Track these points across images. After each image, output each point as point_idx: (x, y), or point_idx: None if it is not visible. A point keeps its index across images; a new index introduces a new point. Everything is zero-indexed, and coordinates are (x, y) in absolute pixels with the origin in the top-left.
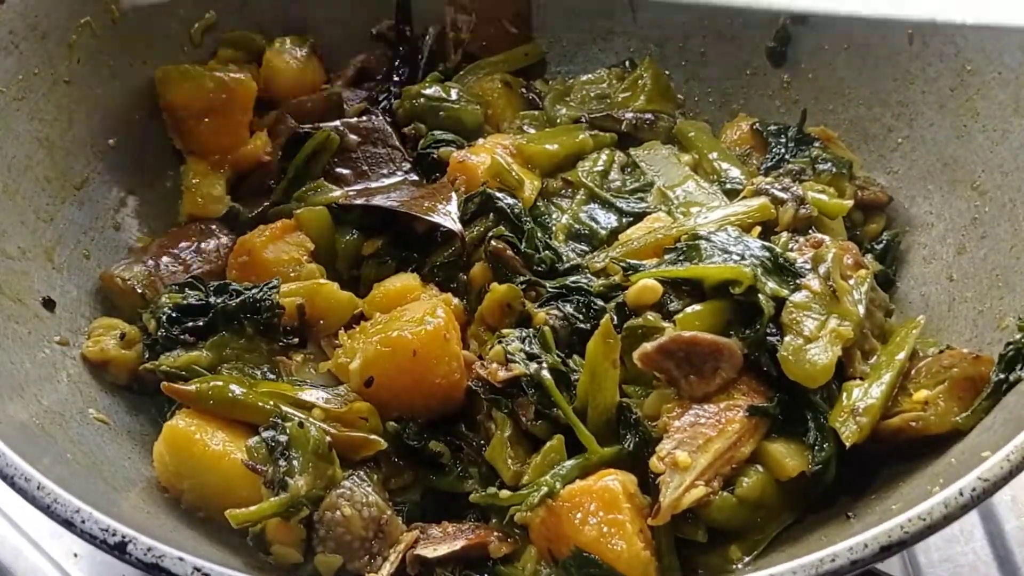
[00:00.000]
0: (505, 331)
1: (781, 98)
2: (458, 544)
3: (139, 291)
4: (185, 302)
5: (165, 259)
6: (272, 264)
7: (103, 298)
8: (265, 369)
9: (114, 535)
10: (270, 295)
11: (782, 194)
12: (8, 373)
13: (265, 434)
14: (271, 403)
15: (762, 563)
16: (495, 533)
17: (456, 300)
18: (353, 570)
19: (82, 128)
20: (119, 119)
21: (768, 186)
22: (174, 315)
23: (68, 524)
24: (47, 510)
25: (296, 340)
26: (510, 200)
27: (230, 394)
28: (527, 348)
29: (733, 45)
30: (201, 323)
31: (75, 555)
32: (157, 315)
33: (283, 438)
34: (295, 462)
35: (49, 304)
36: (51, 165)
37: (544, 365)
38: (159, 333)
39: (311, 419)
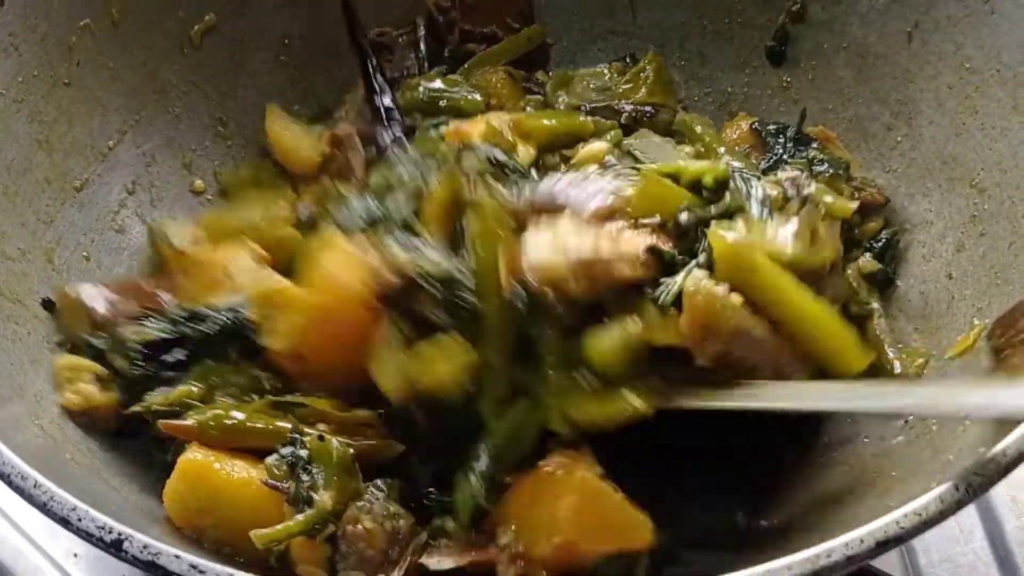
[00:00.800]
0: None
1: (780, 97)
2: (464, 560)
3: (89, 305)
4: (157, 336)
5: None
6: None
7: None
8: (263, 393)
9: (110, 532)
10: (243, 313)
11: (790, 190)
12: (8, 373)
13: (284, 450)
14: (275, 424)
15: (756, 559)
16: (503, 555)
17: None
18: None
19: (82, 130)
20: (119, 121)
21: (784, 179)
22: (146, 351)
23: (64, 522)
24: (44, 508)
25: None
26: (491, 148)
27: (232, 420)
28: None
29: (732, 45)
30: (182, 356)
31: (75, 555)
32: (124, 351)
33: (303, 452)
34: (319, 477)
35: (48, 305)
36: (51, 167)
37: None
38: (135, 372)
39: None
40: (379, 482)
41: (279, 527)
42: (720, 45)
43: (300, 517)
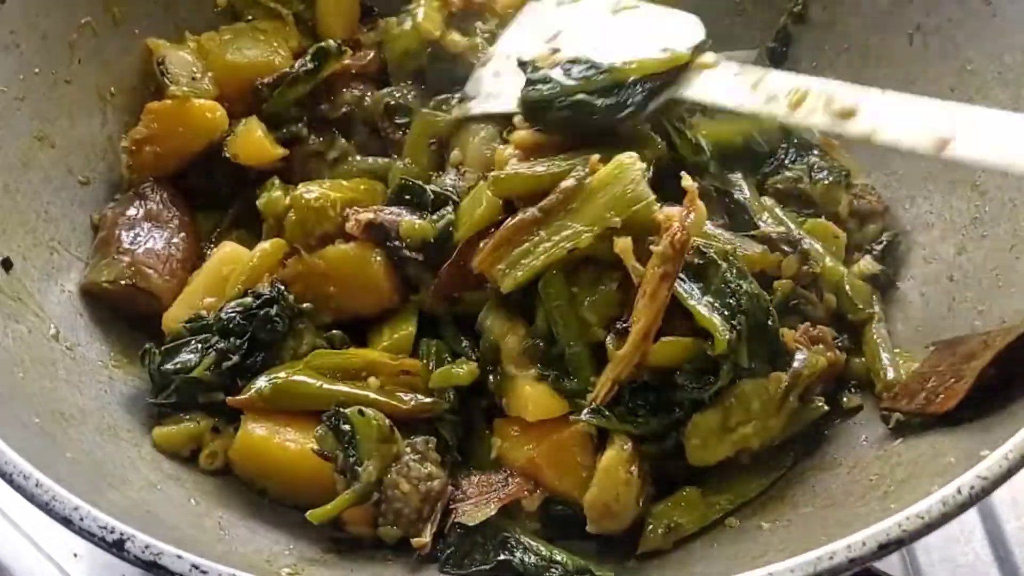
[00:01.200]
0: None
1: None
2: (493, 508)
3: (130, 284)
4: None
5: (125, 237)
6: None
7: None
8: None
9: (112, 532)
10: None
11: (787, 247)
12: (8, 371)
13: (329, 422)
14: (330, 387)
15: (759, 561)
16: (526, 487)
17: None
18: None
19: (83, 128)
20: (121, 119)
21: (775, 236)
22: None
23: (66, 521)
24: (45, 507)
25: None
26: None
27: (290, 392)
28: None
29: (734, 45)
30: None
31: (75, 555)
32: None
33: (346, 427)
34: (362, 448)
35: (6, 264)
36: (52, 165)
37: None
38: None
39: (370, 395)
40: (418, 442)
41: (330, 506)
42: (721, 45)
43: (348, 493)
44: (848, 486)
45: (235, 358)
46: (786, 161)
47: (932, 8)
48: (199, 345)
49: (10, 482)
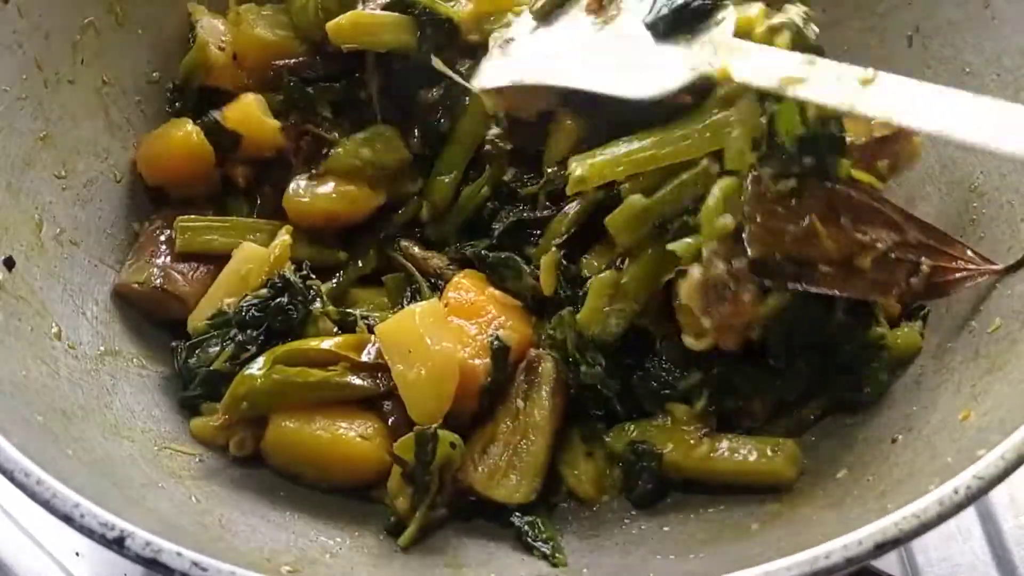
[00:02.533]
0: None
1: None
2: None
3: (158, 287)
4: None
5: (160, 245)
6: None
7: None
8: None
9: (112, 530)
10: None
11: None
12: (10, 369)
13: (418, 437)
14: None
15: (756, 560)
16: None
17: None
18: None
19: (86, 128)
20: (124, 119)
21: None
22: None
23: (67, 519)
24: (47, 505)
25: None
26: None
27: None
28: None
29: None
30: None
31: (77, 554)
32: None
33: (430, 454)
34: (438, 472)
35: (9, 263)
36: (55, 164)
37: None
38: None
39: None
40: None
41: (407, 534)
42: None
43: (419, 515)
44: (846, 486)
45: (253, 349)
46: None
47: (931, 10)
48: (220, 339)
49: (11, 479)
